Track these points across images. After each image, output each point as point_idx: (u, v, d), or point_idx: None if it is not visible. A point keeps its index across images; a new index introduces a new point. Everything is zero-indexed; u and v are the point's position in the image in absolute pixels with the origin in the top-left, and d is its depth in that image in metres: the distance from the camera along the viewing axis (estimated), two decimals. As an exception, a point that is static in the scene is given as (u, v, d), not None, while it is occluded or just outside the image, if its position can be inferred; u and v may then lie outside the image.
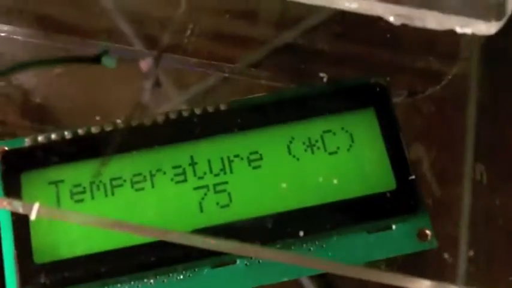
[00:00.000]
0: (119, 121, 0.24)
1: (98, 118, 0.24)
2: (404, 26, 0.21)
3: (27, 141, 0.24)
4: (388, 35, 0.28)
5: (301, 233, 0.23)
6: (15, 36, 0.30)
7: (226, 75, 0.30)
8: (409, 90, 0.29)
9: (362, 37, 0.29)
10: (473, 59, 0.31)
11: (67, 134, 0.24)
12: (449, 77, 0.30)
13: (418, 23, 0.20)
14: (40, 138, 0.24)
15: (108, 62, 0.19)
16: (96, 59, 0.19)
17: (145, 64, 0.20)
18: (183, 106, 0.29)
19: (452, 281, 0.27)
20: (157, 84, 0.20)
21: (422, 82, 0.30)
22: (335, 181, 0.24)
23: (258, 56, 0.29)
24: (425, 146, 0.29)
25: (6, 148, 0.24)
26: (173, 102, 0.28)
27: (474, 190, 0.29)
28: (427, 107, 0.30)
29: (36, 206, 0.19)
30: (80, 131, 0.24)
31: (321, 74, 0.25)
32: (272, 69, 0.29)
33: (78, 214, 0.21)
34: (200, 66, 0.30)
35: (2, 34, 0.30)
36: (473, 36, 0.22)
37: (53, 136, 0.24)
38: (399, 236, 0.24)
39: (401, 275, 0.19)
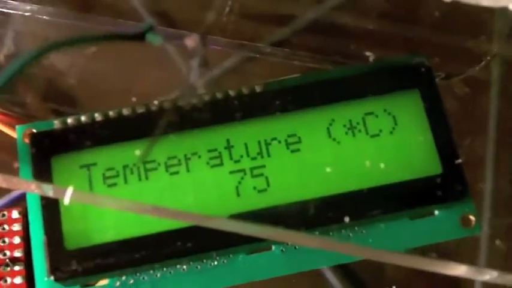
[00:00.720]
0: (153, 104, 0.23)
1: (134, 99, 0.23)
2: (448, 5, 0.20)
3: (56, 124, 0.24)
4: (437, 13, 0.27)
5: (347, 219, 0.22)
6: (41, 16, 0.29)
7: (258, 56, 0.29)
8: (445, 71, 0.28)
9: (405, 16, 0.28)
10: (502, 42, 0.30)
11: (97, 116, 0.24)
12: (488, 58, 0.29)
13: (472, 0, 0.19)
14: (70, 121, 0.23)
15: (153, 38, 0.18)
16: (140, 36, 0.18)
17: (191, 41, 0.19)
18: (215, 87, 0.28)
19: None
20: (204, 63, 0.19)
21: (459, 63, 0.29)
22: (377, 165, 0.23)
23: (293, 36, 0.28)
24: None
25: (34, 130, 0.24)
26: (205, 82, 0.27)
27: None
28: (460, 88, 0.29)
29: (70, 190, 0.18)
30: (111, 113, 0.24)
31: (367, 53, 0.24)
32: (310, 49, 0.28)
33: (113, 199, 0.21)
34: (233, 47, 0.29)
35: (27, 14, 0.29)
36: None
37: (83, 118, 0.24)
38: (442, 222, 0.24)
39: (437, 260, 0.19)
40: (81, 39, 0.17)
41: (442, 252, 0.26)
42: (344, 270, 0.27)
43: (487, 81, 0.30)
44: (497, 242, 0.27)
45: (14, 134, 0.25)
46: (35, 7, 0.29)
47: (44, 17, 0.29)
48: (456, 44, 0.29)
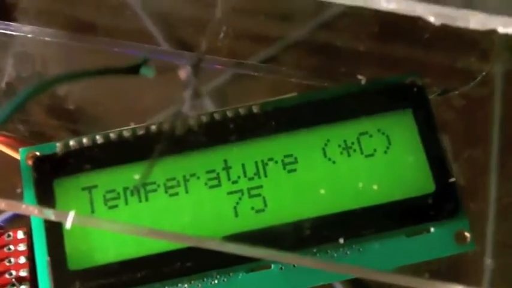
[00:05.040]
0: (152, 126, 0.24)
1: (132, 124, 0.24)
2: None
3: (58, 146, 0.24)
4: (427, 35, 0.27)
5: (341, 240, 0.23)
6: (43, 38, 0.30)
7: (256, 74, 0.29)
8: (441, 88, 0.29)
9: (395, 36, 0.29)
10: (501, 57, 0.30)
11: (99, 139, 0.24)
12: (484, 74, 0.29)
13: (461, 23, 0.19)
14: (72, 143, 0.24)
15: (147, 71, 0.19)
16: (134, 69, 0.19)
17: (184, 73, 0.19)
18: (212, 108, 0.29)
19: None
20: (196, 94, 0.19)
21: (454, 79, 0.30)
22: (372, 185, 0.24)
23: (289, 56, 0.29)
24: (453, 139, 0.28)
25: (38, 153, 0.24)
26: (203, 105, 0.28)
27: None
28: (457, 101, 0.30)
29: (71, 215, 0.19)
30: (112, 135, 0.24)
31: (359, 76, 0.24)
32: (304, 68, 0.29)
33: (113, 223, 0.21)
34: (230, 66, 0.29)
35: (29, 35, 0.30)
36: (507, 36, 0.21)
37: (85, 141, 0.24)
38: (438, 238, 0.24)
39: (433, 281, 0.19)
40: (75, 74, 0.18)
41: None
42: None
43: (482, 95, 0.30)
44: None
45: (17, 156, 0.25)
46: (36, 29, 0.30)
47: (46, 38, 0.30)
48: (446, 63, 0.29)
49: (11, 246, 0.26)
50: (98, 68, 0.18)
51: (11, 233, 0.26)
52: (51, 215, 0.20)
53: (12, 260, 0.26)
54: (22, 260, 0.26)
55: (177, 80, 0.26)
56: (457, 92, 0.29)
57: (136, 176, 0.23)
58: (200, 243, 0.20)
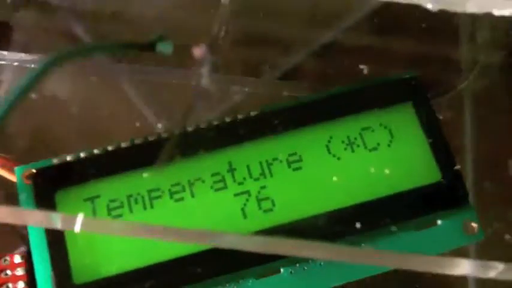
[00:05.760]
0: (150, 136, 0.23)
1: (137, 124, 0.23)
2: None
3: (54, 161, 0.24)
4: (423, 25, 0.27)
5: (358, 225, 0.23)
6: (29, 66, 0.29)
7: (246, 89, 0.29)
8: (436, 86, 0.29)
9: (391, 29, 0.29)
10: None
11: (96, 151, 0.24)
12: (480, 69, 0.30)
13: (458, 8, 0.20)
14: (69, 158, 0.24)
15: (164, 47, 0.18)
16: (151, 46, 0.18)
17: (198, 51, 0.19)
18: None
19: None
20: (215, 68, 0.19)
21: (449, 75, 0.30)
22: (378, 177, 0.24)
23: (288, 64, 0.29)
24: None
25: (34, 170, 0.24)
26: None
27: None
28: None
29: (80, 218, 0.18)
30: (110, 147, 0.24)
31: (361, 66, 0.24)
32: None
33: (124, 224, 0.20)
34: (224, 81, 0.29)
35: (15, 64, 0.29)
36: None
37: (82, 154, 0.24)
38: (446, 230, 0.24)
39: (437, 257, 0.18)
40: (94, 47, 0.17)
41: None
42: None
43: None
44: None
45: (12, 177, 0.24)
46: (23, 56, 0.29)
47: (32, 65, 0.29)
48: (442, 55, 0.30)
49: (8, 272, 0.25)
50: (115, 42, 0.18)
51: (7, 258, 0.25)
52: (58, 220, 0.19)
53: (10, 285, 0.25)
54: (21, 285, 0.25)
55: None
56: (453, 91, 0.29)
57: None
58: (217, 239, 0.19)
